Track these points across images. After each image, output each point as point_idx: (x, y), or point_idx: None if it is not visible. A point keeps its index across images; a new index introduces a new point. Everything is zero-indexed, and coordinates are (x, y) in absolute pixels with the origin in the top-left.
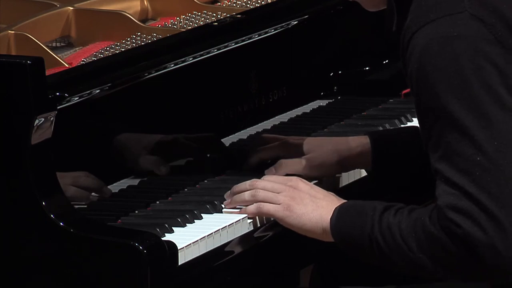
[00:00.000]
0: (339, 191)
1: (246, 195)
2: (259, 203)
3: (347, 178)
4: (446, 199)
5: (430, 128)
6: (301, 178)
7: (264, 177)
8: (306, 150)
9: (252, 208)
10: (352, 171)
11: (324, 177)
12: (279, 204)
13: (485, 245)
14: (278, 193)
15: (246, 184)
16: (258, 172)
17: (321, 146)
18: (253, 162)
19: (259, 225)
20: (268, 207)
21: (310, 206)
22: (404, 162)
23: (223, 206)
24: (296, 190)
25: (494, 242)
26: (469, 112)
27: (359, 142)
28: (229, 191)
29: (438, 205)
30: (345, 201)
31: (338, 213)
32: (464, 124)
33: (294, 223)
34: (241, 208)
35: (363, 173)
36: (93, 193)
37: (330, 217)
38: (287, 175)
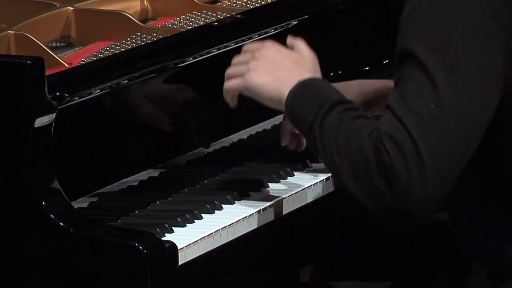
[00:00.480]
0: None
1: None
2: (226, 82)
3: None
4: (389, 127)
5: (402, 68)
6: (273, 43)
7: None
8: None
9: (224, 86)
10: None
11: None
12: (242, 75)
13: (403, 184)
14: (246, 62)
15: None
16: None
17: (346, 90)
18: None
19: (259, 225)
20: (232, 83)
21: (270, 76)
22: None
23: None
24: (262, 57)
25: (412, 186)
26: (442, 65)
27: (385, 84)
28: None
29: (378, 128)
30: (308, 77)
31: (297, 90)
32: (433, 73)
33: (254, 92)
34: None
35: None
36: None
37: (289, 90)
38: None
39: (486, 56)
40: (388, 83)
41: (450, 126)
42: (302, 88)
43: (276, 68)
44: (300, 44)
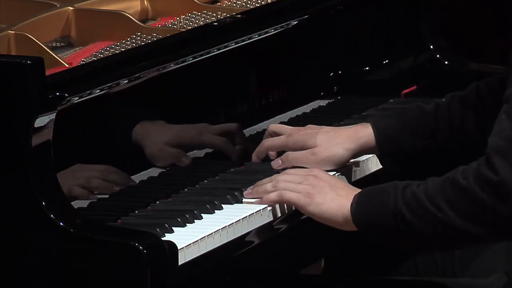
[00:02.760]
0: (353, 184)
1: (268, 185)
2: (280, 190)
3: (360, 172)
4: (496, 143)
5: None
6: (321, 170)
7: (286, 171)
8: (312, 143)
9: (273, 195)
10: (366, 165)
11: (333, 169)
12: (299, 192)
13: None
14: (299, 183)
15: (269, 178)
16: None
17: (328, 140)
18: (260, 153)
19: (259, 225)
20: (290, 195)
21: (330, 195)
22: (409, 142)
23: (244, 196)
24: (316, 179)
25: None
26: None
27: (364, 132)
28: (252, 186)
29: (486, 151)
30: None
31: (358, 199)
32: None
33: (314, 211)
34: (262, 198)
35: (378, 165)
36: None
37: (350, 204)
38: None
39: None
40: (366, 130)
41: None
42: (364, 194)
43: (335, 186)
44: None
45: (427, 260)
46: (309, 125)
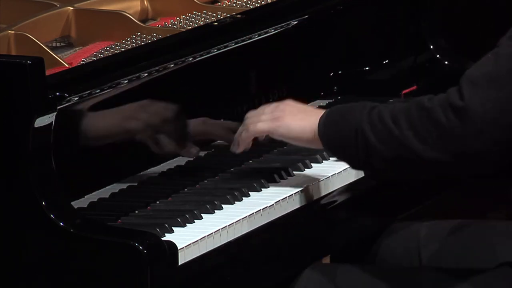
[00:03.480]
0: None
1: (239, 129)
2: (246, 125)
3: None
4: (472, 74)
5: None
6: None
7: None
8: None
9: (243, 133)
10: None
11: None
12: (267, 120)
13: (483, 119)
14: (269, 113)
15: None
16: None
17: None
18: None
19: (259, 225)
20: (258, 125)
21: (300, 115)
22: None
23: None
24: (287, 105)
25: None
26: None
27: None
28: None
29: (460, 81)
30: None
31: (328, 115)
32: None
33: (284, 132)
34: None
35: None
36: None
37: (319, 119)
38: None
39: None
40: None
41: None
42: (334, 111)
43: (304, 109)
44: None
45: (430, 250)
46: None
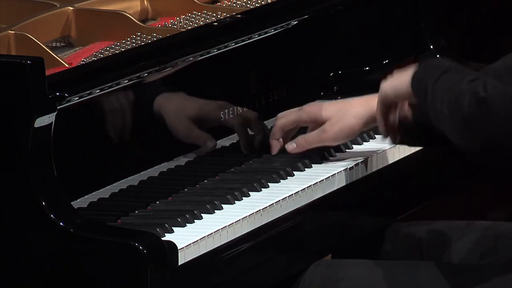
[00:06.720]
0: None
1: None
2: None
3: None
4: (497, 68)
5: None
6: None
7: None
8: (324, 115)
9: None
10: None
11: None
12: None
13: (501, 113)
14: None
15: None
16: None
17: (338, 110)
18: (275, 133)
19: (259, 225)
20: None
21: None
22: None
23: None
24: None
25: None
26: None
27: (376, 100)
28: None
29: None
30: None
31: (421, 67)
32: None
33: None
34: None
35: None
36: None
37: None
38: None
39: None
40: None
41: None
42: (425, 65)
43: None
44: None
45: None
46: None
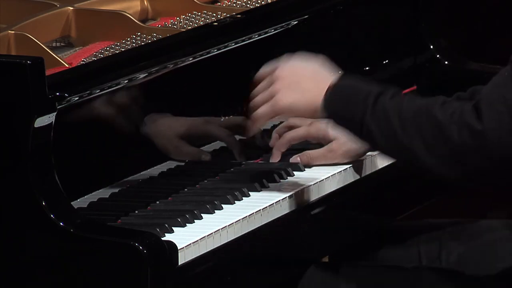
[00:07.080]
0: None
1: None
2: (254, 112)
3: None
4: (490, 94)
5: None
6: (284, 61)
7: None
8: (333, 134)
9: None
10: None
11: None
12: (269, 102)
13: (498, 144)
14: (267, 89)
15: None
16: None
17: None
18: (282, 145)
19: (259, 225)
20: (260, 112)
21: (298, 92)
22: None
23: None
24: (280, 80)
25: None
26: None
27: None
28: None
29: (477, 98)
30: (335, 77)
31: (333, 93)
32: None
33: (288, 115)
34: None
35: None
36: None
37: (323, 98)
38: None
39: None
40: None
41: None
42: (338, 90)
43: (300, 82)
44: (288, 59)
45: (430, 250)
46: None
